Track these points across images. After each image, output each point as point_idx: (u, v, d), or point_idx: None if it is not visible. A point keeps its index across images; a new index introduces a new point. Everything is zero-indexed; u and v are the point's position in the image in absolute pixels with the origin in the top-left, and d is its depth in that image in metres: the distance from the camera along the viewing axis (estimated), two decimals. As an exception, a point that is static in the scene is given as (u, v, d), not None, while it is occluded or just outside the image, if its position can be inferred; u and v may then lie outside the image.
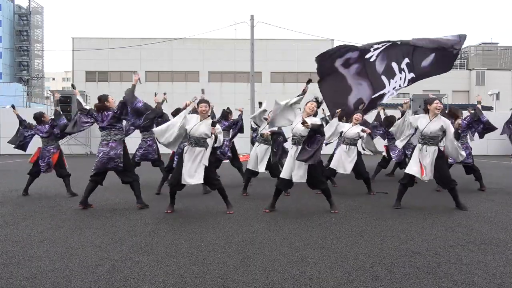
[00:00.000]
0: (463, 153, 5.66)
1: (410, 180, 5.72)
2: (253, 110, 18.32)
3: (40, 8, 55.22)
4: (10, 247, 3.82)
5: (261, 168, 7.08)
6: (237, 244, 3.93)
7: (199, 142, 5.28)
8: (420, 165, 5.54)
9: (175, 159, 6.96)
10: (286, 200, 6.33)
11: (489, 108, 23.25)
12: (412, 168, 5.60)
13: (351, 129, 7.10)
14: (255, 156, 7.11)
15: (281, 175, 5.52)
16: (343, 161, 7.08)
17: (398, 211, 5.57)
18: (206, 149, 5.32)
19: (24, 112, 20.53)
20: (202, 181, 5.33)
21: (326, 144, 7.26)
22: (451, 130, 5.48)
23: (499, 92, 24.26)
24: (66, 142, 19.01)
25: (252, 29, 20.78)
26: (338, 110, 6.97)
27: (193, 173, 5.26)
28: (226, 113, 8.30)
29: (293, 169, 5.36)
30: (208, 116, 5.46)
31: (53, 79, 70.77)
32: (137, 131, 7.61)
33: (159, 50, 31.11)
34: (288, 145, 7.48)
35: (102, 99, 5.74)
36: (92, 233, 4.33)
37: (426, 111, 5.67)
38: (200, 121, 5.33)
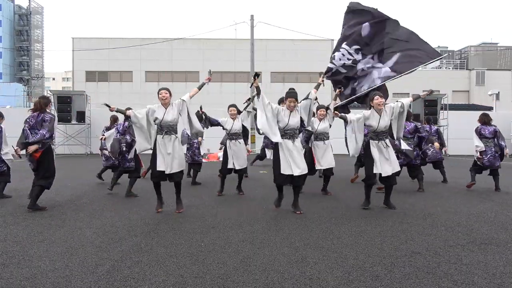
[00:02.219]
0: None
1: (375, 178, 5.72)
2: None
3: (40, 8, 55.26)
4: (10, 247, 3.82)
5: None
6: (237, 244, 3.93)
7: (172, 129, 5.36)
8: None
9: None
10: (286, 200, 6.32)
11: (489, 108, 23.25)
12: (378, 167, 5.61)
13: (320, 124, 7.07)
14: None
15: (283, 172, 5.39)
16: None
17: (398, 211, 5.57)
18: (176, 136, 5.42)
19: (25, 112, 20.55)
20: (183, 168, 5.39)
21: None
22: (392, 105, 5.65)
23: (499, 92, 24.27)
24: (66, 142, 19.03)
25: (252, 29, 20.80)
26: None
27: (172, 161, 5.30)
28: None
29: (292, 162, 5.31)
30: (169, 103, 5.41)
31: (53, 79, 70.82)
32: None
33: (159, 50, 31.11)
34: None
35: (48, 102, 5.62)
36: (92, 233, 4.33)
37: (370, 107, 5.67)
38: (166, 109, 5.35)
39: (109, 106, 5.34)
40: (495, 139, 7.55)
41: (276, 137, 5.31)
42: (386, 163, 5.55)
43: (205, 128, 6.91)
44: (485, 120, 7.67)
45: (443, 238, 4.18)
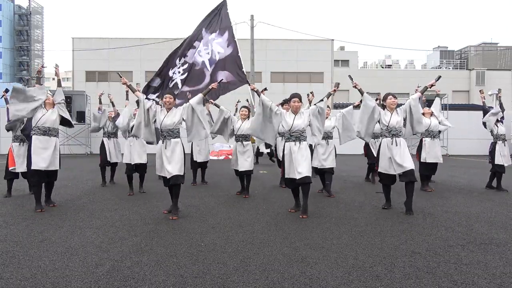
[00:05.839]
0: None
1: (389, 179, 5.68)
2: (253, 110, 18.28)
3: (40, 8, 55.26)
4: (10, 247, 3.82)
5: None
6: (237, 244, 3.93)
7: (173, 133, 5.23)
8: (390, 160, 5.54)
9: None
10: (286, 200, 6.33)
11: (489, 108, 23.20)
12: (383, 166, 5.60)
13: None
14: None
15: (287, 176, 5.37)
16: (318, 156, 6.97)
17: (398, 211, 5.57)
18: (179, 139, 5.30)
19: (24, 112, 20.54)
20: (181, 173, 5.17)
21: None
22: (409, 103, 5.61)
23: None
24: (66, 142, 19.03)
25: (252, 29, 20.83)
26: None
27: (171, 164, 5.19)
28: None
29: (298, 165, 5.27)
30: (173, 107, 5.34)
31: (53, 79, 70.80)
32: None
33: (159, 50, 31.04)
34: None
35: None
36: (92, 233, 4.33)
37: (384, 107, 5.69)
38: (167, 113, 5.25)
39: (121, 77, 5.55)
40: None
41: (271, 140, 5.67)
42: (398, 160, 5.44)
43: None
44: None
45: (443, 238, 4.18)
